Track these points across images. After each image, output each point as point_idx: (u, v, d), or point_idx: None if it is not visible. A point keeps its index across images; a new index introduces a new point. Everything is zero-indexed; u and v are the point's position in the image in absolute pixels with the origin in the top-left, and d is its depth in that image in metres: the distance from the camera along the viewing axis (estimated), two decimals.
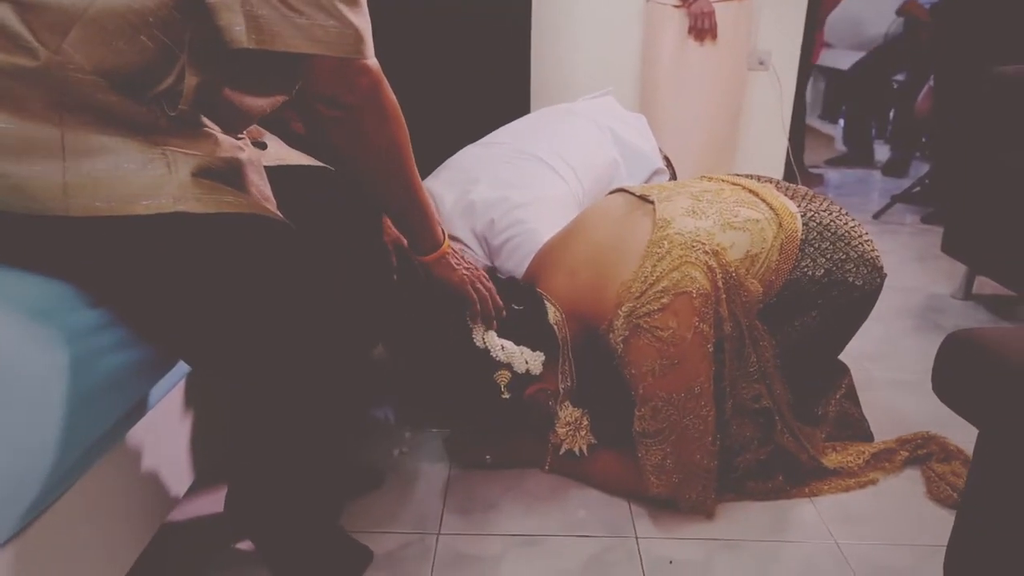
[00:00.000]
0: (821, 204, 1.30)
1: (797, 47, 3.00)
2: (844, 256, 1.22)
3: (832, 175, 3.83)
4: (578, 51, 2.89)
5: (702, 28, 2.54)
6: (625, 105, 1.96)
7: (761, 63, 2.98)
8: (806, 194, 1.32)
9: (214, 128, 0.91)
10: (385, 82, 0.93)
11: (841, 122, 4.71)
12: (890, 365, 1.78)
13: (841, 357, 1.43)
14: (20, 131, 0.77)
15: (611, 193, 1.40)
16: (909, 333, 1.98)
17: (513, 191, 1.57)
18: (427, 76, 2.21)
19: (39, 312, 0.80)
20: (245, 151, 0.94)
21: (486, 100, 2.23)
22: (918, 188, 3.15)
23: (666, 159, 1.88)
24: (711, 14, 2.53)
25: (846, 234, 1.24)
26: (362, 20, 0.86)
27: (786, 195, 1.30)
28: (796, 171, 3.13)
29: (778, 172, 3.06)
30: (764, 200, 1.25)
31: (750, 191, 1.27)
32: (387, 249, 1.23)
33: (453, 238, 1.56)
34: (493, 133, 1.82)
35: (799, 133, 3.38)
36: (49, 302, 0.82)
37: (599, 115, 1.84)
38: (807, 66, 3.41)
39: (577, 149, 1.71)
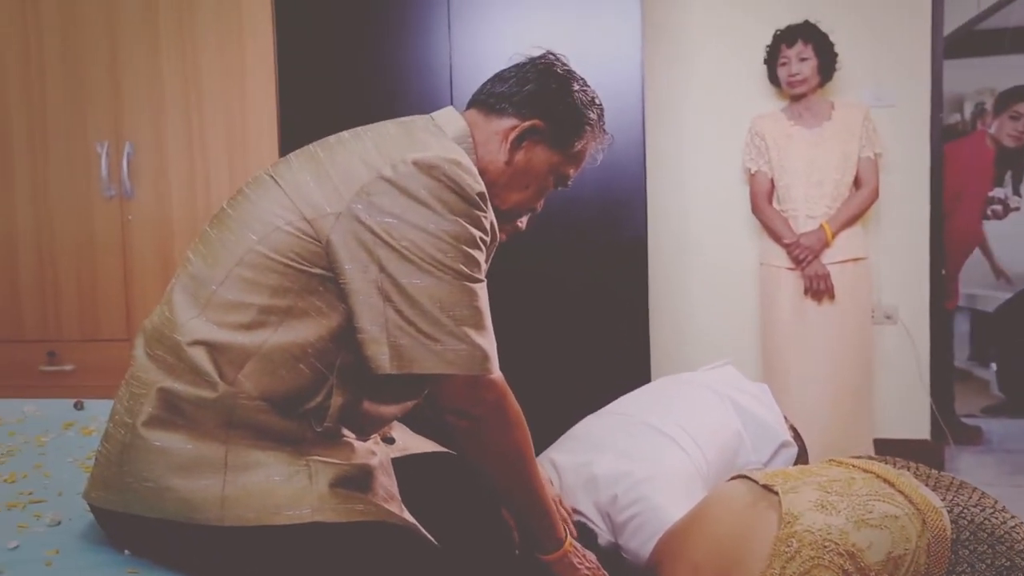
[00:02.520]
0: (971, 497, 1.19)
1: (926, 299, 2.92)
2: (1009, 563, 1.09)
3: (991, 426, 3.49)
4: (695, 318, 2.97)
5: (818, 289, 2.57)
6: (746, 372, 1.97)
7: (888, 317, 2.92)
8: (951, 483, 1.23)
9: (350, 436, 1.01)
10: (509, 393, 1.02)
11: (993, 366, 4.39)
12: None
13: None
14: (194, 451, 0.90)
15: (732, 479, 1.37)
16: None
17: (636, 465, 1.56)
18: (548, 347, 2.35)
19: None
20: (376, 455, 1.04)
21: (606, 370, 2.31)
22: None
23: (793, 430, 1.82)
24: (826, 276, 2.56)
25: (1006, 536, 1.12)
26: (488, 341, 0.97)
27: (927, 484, 1.21)
28: (945, 426, 2.90)
29: (924, 429, 2.85)
30: (901, 492, 1.17)
31: (885, 480, 1.20)
32: (508, 525, 1.25)
33: (574, 511, 1.55)
34: (613, 403, 1.85)
35: (946, 382, 3.16)
36: None
37: (719, 385, 1.85)
38: (943, 313, 3.28)
39: (699, 420, 1.71)
